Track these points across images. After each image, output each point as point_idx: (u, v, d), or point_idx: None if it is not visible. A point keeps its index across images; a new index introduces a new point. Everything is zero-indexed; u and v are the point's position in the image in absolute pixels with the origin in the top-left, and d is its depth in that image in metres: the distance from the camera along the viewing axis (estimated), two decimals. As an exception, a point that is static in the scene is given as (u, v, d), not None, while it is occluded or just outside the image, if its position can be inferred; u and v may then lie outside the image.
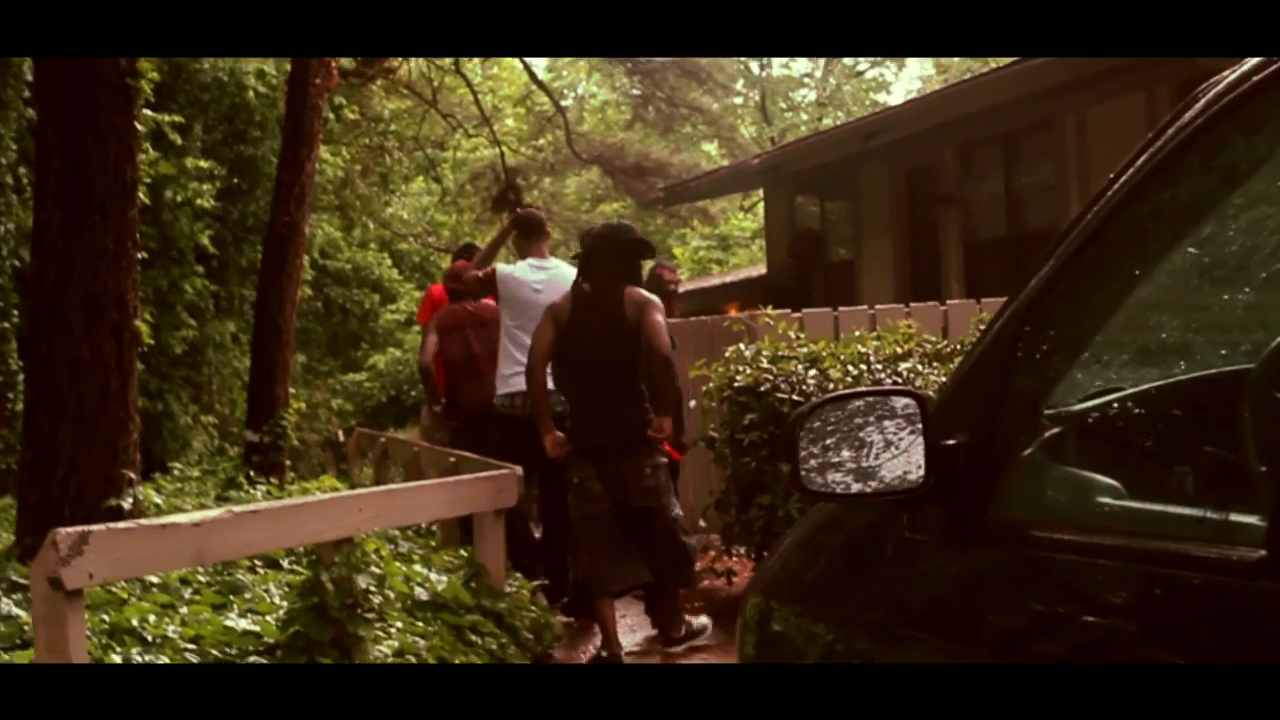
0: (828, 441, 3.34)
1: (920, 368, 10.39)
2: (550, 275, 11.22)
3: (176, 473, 18.31)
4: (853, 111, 47.68)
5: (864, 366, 10.34)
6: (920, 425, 3.29)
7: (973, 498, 3.24)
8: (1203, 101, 3.07)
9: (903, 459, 3.30)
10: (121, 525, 6.03)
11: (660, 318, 9.41)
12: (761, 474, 10.21)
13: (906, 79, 62.35)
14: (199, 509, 13.99)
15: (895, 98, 52.92)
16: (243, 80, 20.55)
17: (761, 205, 46.59)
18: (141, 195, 11.80)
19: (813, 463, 3.33)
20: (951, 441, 3.28)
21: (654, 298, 9.61)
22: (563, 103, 39.10)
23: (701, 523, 12.09)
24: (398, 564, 8.90)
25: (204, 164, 19.83)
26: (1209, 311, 3.43)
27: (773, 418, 10.09)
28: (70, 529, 5.79)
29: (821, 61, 54.43)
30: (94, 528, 5.91)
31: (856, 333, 11.13)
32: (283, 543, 7.42)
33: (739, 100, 51.26)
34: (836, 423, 3.36)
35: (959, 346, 10.82)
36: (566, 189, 42.44)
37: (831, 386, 10.02)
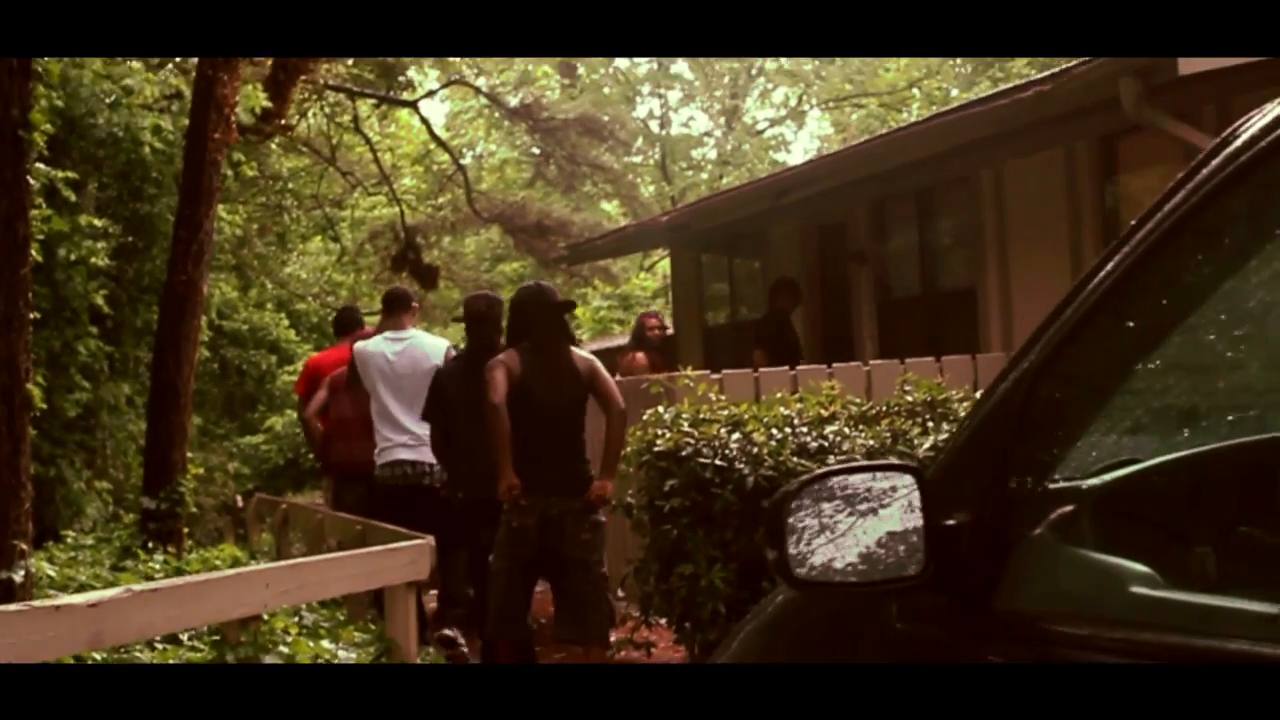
0: (816, 523, 2.97)
1: (847, 430, 10.06)
2: (406, 345, 12.04)
3: (70, 541, 17.68)
4: (755, 169, 47.54)
5: (788, 429, 10.00)
6: (918, 503, 2.94)
7: (977, 585, 2.90)
8: (1217, 159, 2.75)
9: (899, 541, 2.95)
10: (12, 608, 5.59)
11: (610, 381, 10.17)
12: (683, 542, 9.83)
13: (805, 138, 62.49)
14: (94, 579, 13.55)
15: (795, 156, 52.96)
16: (139, 135, 19.95)
17: (662, 265, 46.70)
18: (34, 253, 11.33)
19: (801, 547, 2.96)
20: (952, 521, 2.93)
21: (594, 361, 10.32)
22: (462, 161, 38.68)
23: (620, 592, 11.69)
24: (305, 641, 8.45)
25: (98, 222, 19.30)
26: (1234, 374, 3.08)
27: (694, 483, 9.73)
28: (-45, 613, 5.35)
29: (722, 119, 54.40)
30: (-18, 610, 5.48)
31: (779, 394, 10.78)
32: (186, 623, 6.96)
33: (638, 159, 51.12)
34: (825, 502, 2.99)
35: (885, 408, 10.51)
36: (466, 248, 42.04)
37: (755, 450, 9.70)
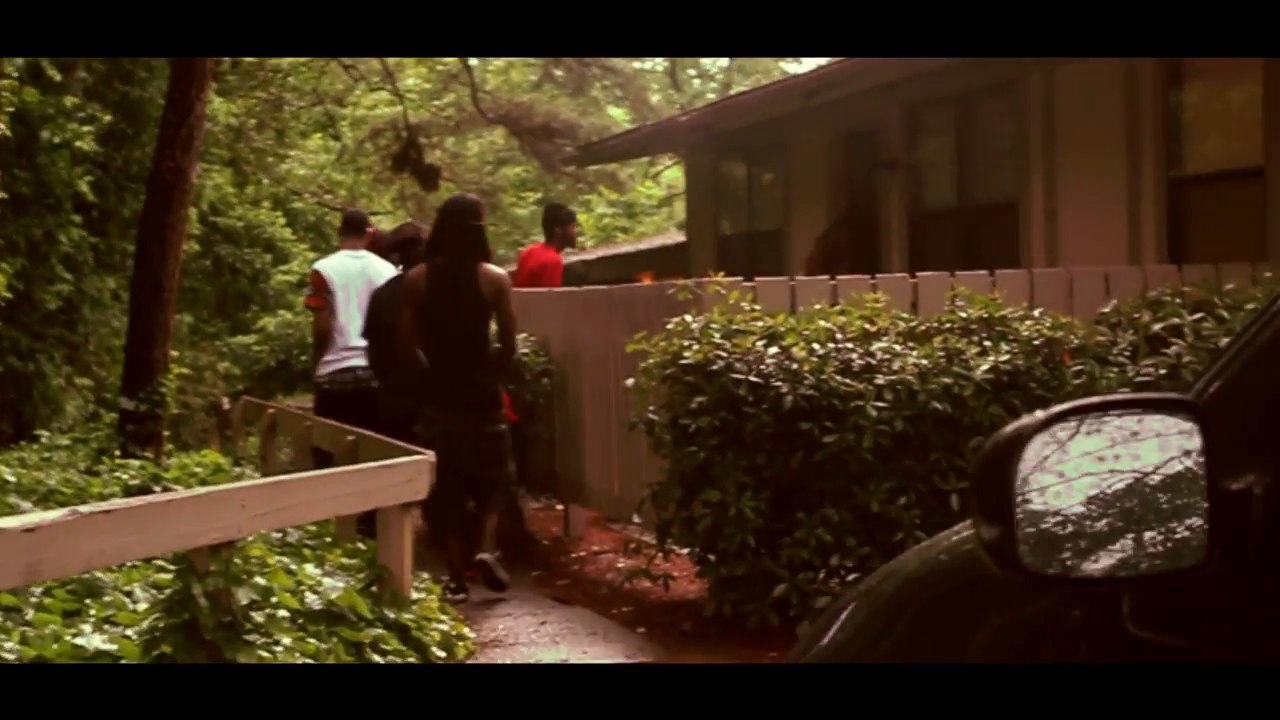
0: (1055, 486, 1.95)
1: (896, 347, 9.09)
2: (363, 264, 12.80)
3: (45, 440, 16.75)
4: (763, 81, 46.35)
5: (831, 345, 9.05)
6: (1198, 458, 1.93)
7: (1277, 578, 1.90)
8: None
9: (1170, 513, 1.94)
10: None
11: (513, 302, 10.97)
12: (709, 465, 8.94)
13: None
14: (64, 484, 12.58)
15: (807, 67, 51.72)
16: (129, 15, 18.96)
17: (667, 174, 45.70)
18: (3, 127, 10.29)
19: (1035, 525, 1.94)
20: (1241, 485, 1.92)
21: (507, 278, 10.97)
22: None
23: (636, 518, 10.74)
24: (287, 573, 7.41)
25: (82, 103, 18.30)
26: None
27: (725, 401, 8.82)
28: None
29: (735, 27, 53.11)
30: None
31: (817, 305, 9.78)
32: (145, 550, 5.92)
33: (647, 65, 50.05)
34: (1062, 452, 1.97)
35: (936, 324, 9.52)
36: (469, 150, 40.97)
37: (794, 367, 8.75)
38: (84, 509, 5.27)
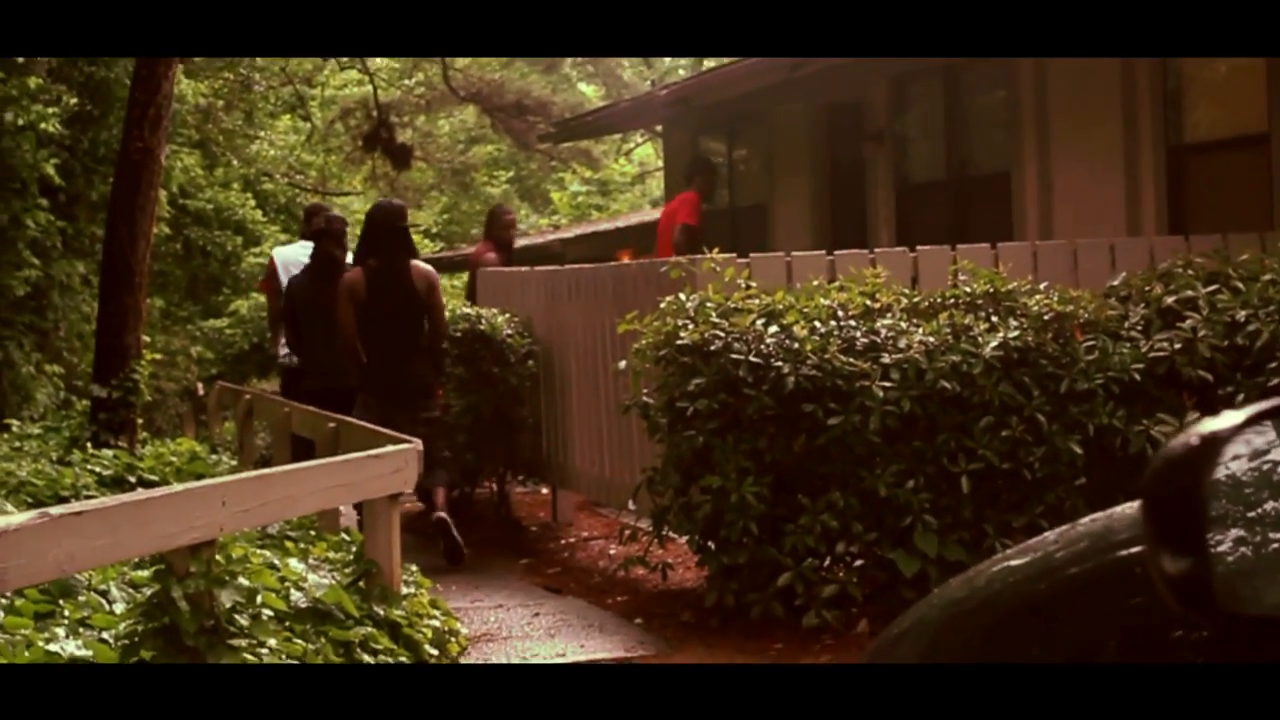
0: (1251, 507, 1.58)
1: (902, 324, 8.74)
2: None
3: (15, 430, 16.32)
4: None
5: (833, 322, 8.71)
6: None
7: None
8: None
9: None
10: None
11: (443, 297, 11.99)
12: (708, 450, 8.60)
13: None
14: (35, 475, 12.19)
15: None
16: (93, -7, 18.51)
17: (639, 151, 45.32)
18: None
19: (1233, 554, 1.57)
20: None
21: (435, 274, 11.85)
22: (436, 38, 37.20)
23: (630, 504, 10.38)
24: (270, 571, 7.03)
25: (47, 84, 17.87)
26: None
27: (724, 383, 8.50)
28: None
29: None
30: None
31: (815, 281, 9.42)
32: (120, 554, 5.52)
33: (618, 41, 49.52)
34: (1260, 466, 1.60)
35: (940, 299, 9.18)
36: (440, 129, 40.56)
37: (795, 346, 8.43)
38: (53, 511, 4.88)
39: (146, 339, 15.87)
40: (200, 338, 29.51)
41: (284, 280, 13.15)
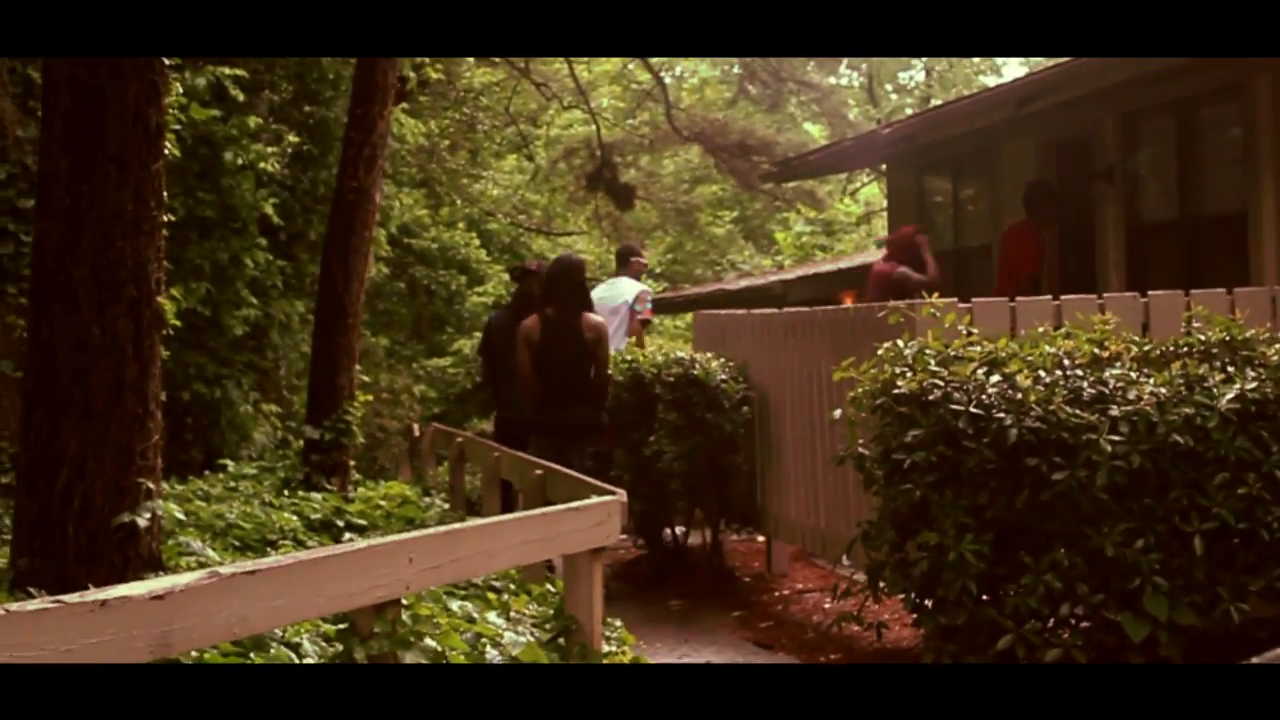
0: None
1: (1132, 375, 8.27)
2: (610, 289, 15.76)
3: (231, 470, 16.35)
4: (964, 92, 45.39)
5: (1059, 372, 8.24)
6: None
7: None
8: None
9: None
10: (33, 605, 3.96)
11: (609, 347, 12.82)
12: (926, 504, 8.15)
13: (1015, 62, 60.10)
14: (243, 519, 12.07)
15: (1008, 77, 50.74)
16: (315, 33, 18.53)
17: (865, 191, 44.89)
18: (171, 146, 9.79)
19: None
20: None
21: (604, 325, 12.78)
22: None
23: (845, 559, 10.00)
24: (468, 622, 6.74)
25: (266, 124, 17.94)
26: None
27: (942, 434, 8.05)
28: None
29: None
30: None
31: (1040, 329, 8.98)
32: (297, 615, 5.22)
33: (843, 82, 49.26)
34: None
35: (1172, 348, 8.69)
36: (664, 169, 40.46)
37: (1018, 397, 7.98)
38: (224, 569, 4.62)
39: (367, 378, 15.82)
40: (424, 376, 29.71)
41: None
